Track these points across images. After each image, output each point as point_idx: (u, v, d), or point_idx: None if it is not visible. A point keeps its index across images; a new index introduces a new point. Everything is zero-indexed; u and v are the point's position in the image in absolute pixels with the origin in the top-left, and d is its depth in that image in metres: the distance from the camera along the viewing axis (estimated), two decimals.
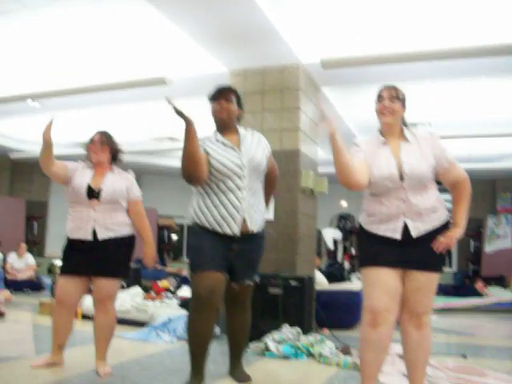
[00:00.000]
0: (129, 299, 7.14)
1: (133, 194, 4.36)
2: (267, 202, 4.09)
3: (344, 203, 14.32)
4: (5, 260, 10.94)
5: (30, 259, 11.53)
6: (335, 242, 14.32)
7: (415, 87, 7.22)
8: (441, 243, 3.16)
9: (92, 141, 4.36)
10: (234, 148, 3.76)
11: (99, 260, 4.14)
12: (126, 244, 4.29)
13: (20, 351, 4.88)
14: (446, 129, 9.15)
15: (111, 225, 4.19)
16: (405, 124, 3.41)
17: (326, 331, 6.19)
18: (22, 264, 11.29)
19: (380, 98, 3.34)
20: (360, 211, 3.45)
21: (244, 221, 3.67)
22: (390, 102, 3.29)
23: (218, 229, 3.66)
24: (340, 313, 6.77)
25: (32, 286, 11.00)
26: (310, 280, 6.04)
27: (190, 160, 3.48)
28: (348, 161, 3.11)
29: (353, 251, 14.55)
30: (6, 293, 7.51)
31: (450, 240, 3.18)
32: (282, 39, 5.88)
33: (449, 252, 3.36)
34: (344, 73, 6.53)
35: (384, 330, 3.17)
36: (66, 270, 4.25)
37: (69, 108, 9.06)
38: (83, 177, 4.27)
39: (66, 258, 4.28)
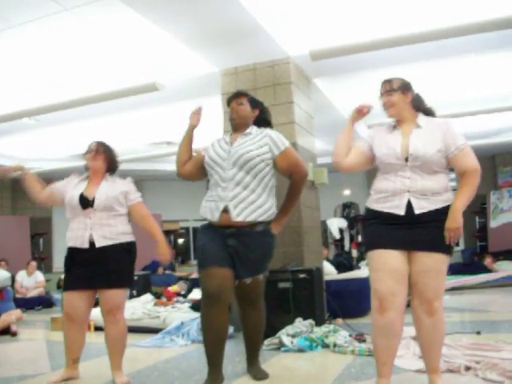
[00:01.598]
0: (140, 307, 7.15)
1: (133, 199, 4.36)
2: (288, 205, 4.06)
3: (347, 192, 14.33)
4: (13, 279, 10.94)
5: (39, 276, 11.55)
6: (341, 231, 14.35)
7: (407, 70, 7.20)
8: (449, 236, 3.18)
9: (89, 149, 4.42)
10: (229, 143, 3.93)
11: (102, 272, 4.13)
12: (126, 251, 4.27)
13: (36, 369, 4.89)
14: (442, 108, 9.10)
15: (109, 233, 4.19)
16: (418, 107, 3.45)
17: (339, 320, 6.20)
18: (31, 282, 11.31)
19: (380, 94, 3.46)
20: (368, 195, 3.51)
21: (227, 211, 3.72)
22: (387, 96, 3.40)
23: (208, 216, 3.83)
24: (351, 301, 6.77)
25: (43, 302, 11.01)
26: (319, 271, 6.05)
27: (179, 154, 4.11)
28: (343, 142, 3.50)
29: (359, 239, 14.58)
30: (17, 312, 7.51)
31: (452, 231, 3.17)
32: (269, 35, 5.89)
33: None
34: (334, 62, 6.51)
35: (392, 315, 3.17)
36: (70, 285, 4.25)
37: (64, 122, 9.11)
38: (75, 189, 4.31)
39: (68, 271, 4.29)
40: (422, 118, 3.38)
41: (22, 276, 11.28)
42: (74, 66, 6.72)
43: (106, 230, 4.18)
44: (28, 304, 10.56)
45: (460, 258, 13.47)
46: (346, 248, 14.35)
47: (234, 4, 5.12)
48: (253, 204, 3.75)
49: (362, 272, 7.93)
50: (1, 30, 5.58)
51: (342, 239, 14.54)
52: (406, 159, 3.24)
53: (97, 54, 6.40)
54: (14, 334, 6.89)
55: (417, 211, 3.19)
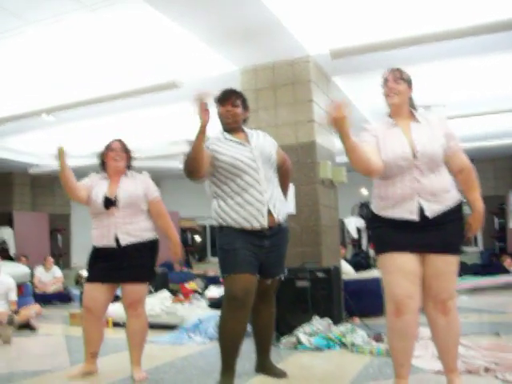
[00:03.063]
0: (158, 303, 7.17)
1: (151, 195, 4.38)
2: (285, 194, 4.12)
3: (364, 191, 14.27)
4: (32, 274, 11.01)
5: (57, 272, 11.61)
6: (359, 231, 14.29)
7: (426, 69, 7.17)
8: (470, 229, 3.24)
9: (111, 148, 4.41)
10: (244, 143, 3.85)
11: (124, 266, 4.18)
12: (149, 248, 4.32)
13: (55, 364, 4.93)
14: (461, 108, 9.09)
15: (133, 230, 4.23)
16: (413, 106, 3.43)
17: (357, 320, 6.18)
18: (49, 277, 11.37)
19: (385, 81, 3.38)
20: (371, 199, 3.45)
21: (270, 213, 3.71)
22: (395, 83, 3.33)
23: (247, 225, 3.68)
24: (369, 300, 6.74)
25: (61, 298, 11.07)
26: (337, 270, 6.03)
27: (194, 157, 3.57)
28: (362, 151, 3.12)
29: None
30: (36, 307, 7.56)
31: (476, 222, 3.23)
32: (289, 33, 5.88)
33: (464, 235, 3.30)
34: (353, 61, 6.49)
35: (408, 318, 3.15)
36: (92, 278, 4.30)
37: (83, 119, 9.16)
38: (99, 189, 4.32)
39: (91, 265, 4.34)
40: (420, 113, 3.38)
41: (40, 271, 11.35)
42: (93, 63, 6.76)
43: (130, 228, 4.22)
44: (46, 299, 10.61)
45: (479, 259, 13.36)
46: (364, 247, 14.30)
47: (254, 1, 5.11)
48: (281, 200, 3.88)
49: (379, 272, 7.90)
50: (20, 26, 5.62)
51: (359, 238, 14.50)
52: (415, 157, 3.17)
53: (116, 51, 6.43)
54: (34, 329, 6.95)
55: (429, 214, 3.15)
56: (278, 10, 5.40)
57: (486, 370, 3.86)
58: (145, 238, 4.27)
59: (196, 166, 3.60)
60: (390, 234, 3.25)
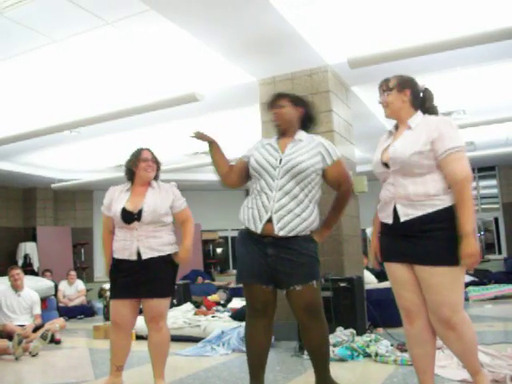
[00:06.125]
0: (181, 316, 7.20)
1: (177, 206, 4.35)
2: (333, 218, 3.87)
3: None
4: (56, 288, 11.11)
5: (80, 285, 11.71)
6: None
7: (445, 76, 7.15)
8: (469, 264, 2.89)
9: (142, 158, 4.33)
10: (278, 150, 3.71)
11: (145, 282, 4.14)
12: (169, 262, 4.27)
13: (79, 376, 4.96)
14: (482, 114, 9.03)
15: (155, 245, 4.19)
16: (424, 105, 3.27)
17: (380, 330, 6.14)
18: (72, 291, 11.47)
19: (379, 93, 3.36)
20: None
21: (270, 222, 3.54)
22: (382, 96, 3.30)
23: (247, 225, 3.66)
24: (392, 310, 6.56)
25: (84, 311, 11.15)
26: (359, 280, 6.01)
27: (217, 168, 3.91)
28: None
29: None
30: (60, 320, 7.62)
31: (470, 258, 2.86)
32: (307, 43, 5.90)
33: (454, 243, 3.04)
34: (372, 70, 6.46)
35: (420, 324, 3.13)
36: (115, 295, 4.30)
37: (104, 134, 9.25)
38: (118, 203, 4.28)
39: (113, 280, 4.33)
40: (415, 118, 3.18)
41: (64, 285, 11.46)
42: (114, 78, 6.85)
43: (153, 242, 4.18)
44: (70, 313, 10.70)
45: (502, 267, 13.22)
46: None
47: (271, 13, 5.14)
48: (298, 217, 3.56)
49: None
50: (44, 44, 5.73)
51: None
52: (387, 165, 3.13)
53: (137, 66, 6.50)
54: (58, 342, 7.01)
55: (402, 219, 3.04)
56: (295, 21, 5.42)
57: None
58: (166, 252, 4.24)
59: (218, 174, 3.93)
60: (384, 244, 3.24)
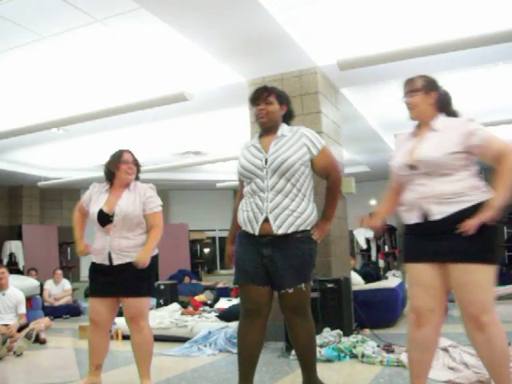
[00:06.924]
0: (167, 316, 7.18)
1: (149, 209, 4.25)
2: (329, 209, 3.80)
3: (373, 202, 14.26)
4: (42, 287, 11.04)
5: (66, 285, 11.63)
6: (368, 242, 14.28)
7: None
8: (465, 225, 2.87)
9: (123, 160, 4.30)
10: (261, 150, 3.66)
11: (122, 281, 4.13)
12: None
13: (64, 376, 4.93)
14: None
15: (127, 248, 4.14)
16: (446, 108, 3.27)
17: (367, 331, 6.16)
18: (58, 290, 11.39)
19: (403, 94, 3.29)
20: None
21: (267, 222, 3.53)
22: (409, 97, 3.23)
23: (244, 227, 3.63)
24: (379, 311, 6.74)
25: (70, 311, 11.07)
26: (347, 281, 6.02)
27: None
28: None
29: (386, 249, 14.48)
30: (46, 320, 7.57)
31: (476, 221, 2.85)
32: (296, 45, 5.90)
33: (491, 240, 3.04)
34: (362, 72, 6.49)
35: (428, 331, 3.09)
36: (92, 292, 4.30)
37: (92, 132, 9.21)
38: (96, 204, 4.27)
39: (91, 279, 4.33)
40: (440, 121, 3.18)
41: (50, 284, 11.38)
42: (103, 76, 6.82)
43: (124, 244, 4.14)
44: (56, 312, 10.63)
45: None
46: (373, 258, 14.29)
47: (261, 14, 5.14)
48: (294, 213, 3.54)
49: (389, 282, 7.89)
50: (32, 41, 5.69)
51: (368, 249, 14.49)
52: (415, 167, 3.09)
53: (126, 64, 6.48)
54: (43, 342, 6.95)
55: (434, 217, 3.02)
56: (285, 22, 5.43)
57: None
58: None
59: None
60: (411, 244, 3.19)
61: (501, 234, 2.92)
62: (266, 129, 3.74)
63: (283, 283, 3.56)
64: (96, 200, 4.31)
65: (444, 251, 2.99)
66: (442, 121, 3.17)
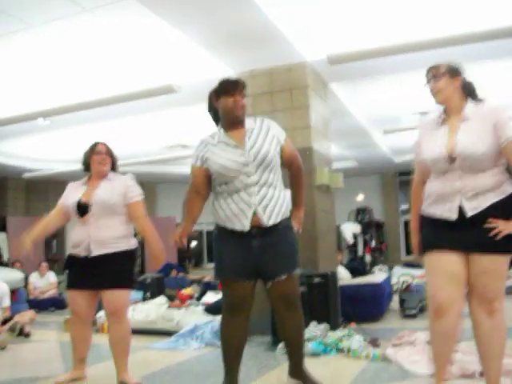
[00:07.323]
0: (154, 309, 7.14)
1: (129, 198, 4.23)
2: (298, 197, 3.90)
3: (361, 197, 14.29)
4: (27, 280, 10.96)
5: (51, 277, 11.53)
6: (355, 236, 14.31)
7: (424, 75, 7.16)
8: (497, 228, 2.95)
9: (96, 151, 4.32)
10: (238, 146, 3.60)
11: (100, 274, 4.09)
12: (125, 257, 4.20)
13: (49, 370, 4.88)
14: None
15: (106, 239, 4.11)
16: (471, 94, 3.22)
17: (354, 325, 6.16)
18: (44, 283, 11.30)
19: (427, 81, 3.27)
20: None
21: (256, 214, 3.52)
22: (434, 81, 3.20)
23: (229, 225, 3.59)
24: (365, 306, 6.74)
25: (56, 303, 10.98)
26: (333, 275, 6.02)
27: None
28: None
29: (373, 244, 14.53)
30: (31, 313, 7.50)
31: (507, 225, 2.95)
32: (286, 39, 5.88)
33: None
34: (351, 67, 6.49)
35: (449, 320, 3.07)
36: (70, 284, 4.28)
37: (78, 124, 9.14)
38: (74, 195, 4.27)
39: (69, 272, 4.31)
40: (470, 107, 3.14)
41: (35, 277, 11.28)
42: (91, 66, 6.75)
43: (103, 235, 4.11)
44: (41, 305, 10.53)
45: None
46: (360, 253, 14.32)
47: (252, 7, 5.12)
48: (278, 201, 3.58)
49: (375, 277, 7.91)
50: (19, 30, 5.62)
51: (355, 244, 14.52)
52: (455, 159, 3.04)
53: (114, 55, 6.43)
54: (27, 335, 6.89)
55: (469, 214, 3.01)
56: (275, 16, 5.41)
57: (481, 374, 3.82)
58: (119, 249, 4.15)
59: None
60: (435, 232, 3.17)
61: None
62: (236, 122, 3.68)
63: (276, 271, 3.58)
64: (73, 194, 4.31)
65: (473, 242, 3.03)
66: (472, 107, 3.14)
